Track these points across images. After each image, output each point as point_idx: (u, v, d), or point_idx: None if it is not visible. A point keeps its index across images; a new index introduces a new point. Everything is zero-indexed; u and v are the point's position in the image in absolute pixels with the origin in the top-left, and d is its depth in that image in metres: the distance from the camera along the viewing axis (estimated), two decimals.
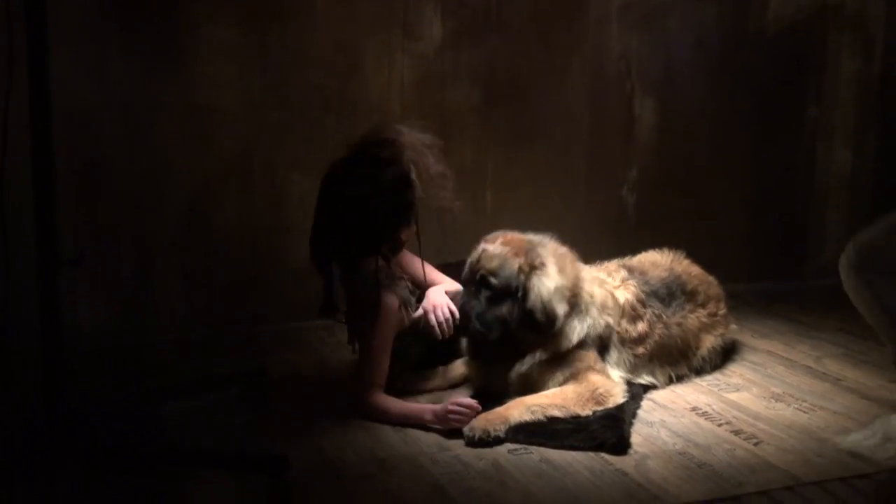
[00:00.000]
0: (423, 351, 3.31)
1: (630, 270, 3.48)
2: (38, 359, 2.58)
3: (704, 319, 3.55)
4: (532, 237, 3.22)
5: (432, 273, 3.37)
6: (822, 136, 4.90)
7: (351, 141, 3.13)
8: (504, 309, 3.10)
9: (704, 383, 3.44)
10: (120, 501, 2.48)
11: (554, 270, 3.11)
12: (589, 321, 3.18)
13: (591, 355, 3.16)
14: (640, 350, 3.31)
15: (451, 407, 2.92)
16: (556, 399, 3.01)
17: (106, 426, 2.72)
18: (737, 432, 2.98)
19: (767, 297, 4.63)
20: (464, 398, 3.02)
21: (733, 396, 3.31)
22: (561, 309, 3.10)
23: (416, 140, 3.07)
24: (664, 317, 3.41)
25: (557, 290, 3.09)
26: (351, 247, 3.08)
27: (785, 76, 4.80)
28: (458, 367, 3.38)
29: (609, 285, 3.35)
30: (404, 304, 3.16)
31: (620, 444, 2.82)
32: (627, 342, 3.28)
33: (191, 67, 3.87)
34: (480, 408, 2.96)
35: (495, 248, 3.15)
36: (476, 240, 4.16)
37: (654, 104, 4.61)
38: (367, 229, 3.03)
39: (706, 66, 4.67)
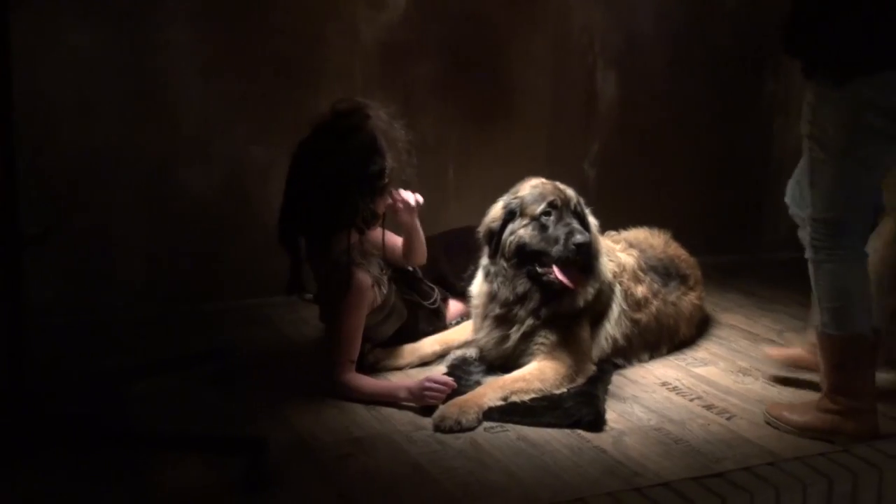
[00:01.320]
0: (394, 328, 3.27)
1: (629, 244, 3.50)
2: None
3: (696, 302, 3.58)
4: None
5: (396, 241, 3.34)
6: (779, 110, 4.95)
7: (315, 116, 3.08)
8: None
9: (671, 357, 3.46)
10: (91, 486, 2.41)
11: None
12: (601, 267, 3.19)
13: (586, 325, 3.16)
14: (639, 316, 3.31)
15: (426, 384, 2.89)
16: (533, 383, 2.99)
17: (74, 407, 2.63)
18: (709, 407, 3.00)
19: (726, 270, 4.66)
20: (439, 375, 2.99)
21: (701, 371, 3.33)
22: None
23: (380, 110, 3.03)
24: (662, 293, 3.42)
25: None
26: (323, 222, 3.03)
27: (745, 50, 4.82)
28: (430, 345, 3.35)
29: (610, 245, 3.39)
30: (376, 282, 3.11)
31: (597, 421, 2.82)
32: (629, 300, 3.28)
33: (148, 35, 3.75)
34: (456, 385, 2.94)
35: (563, 186, 3.23)
36: (438, 215, 4.17)
37: (616, 77, 4.60)
38: (338, 202, 2.97)
39: (668, 40, 4.67)
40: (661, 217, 3.92)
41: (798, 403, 2.91)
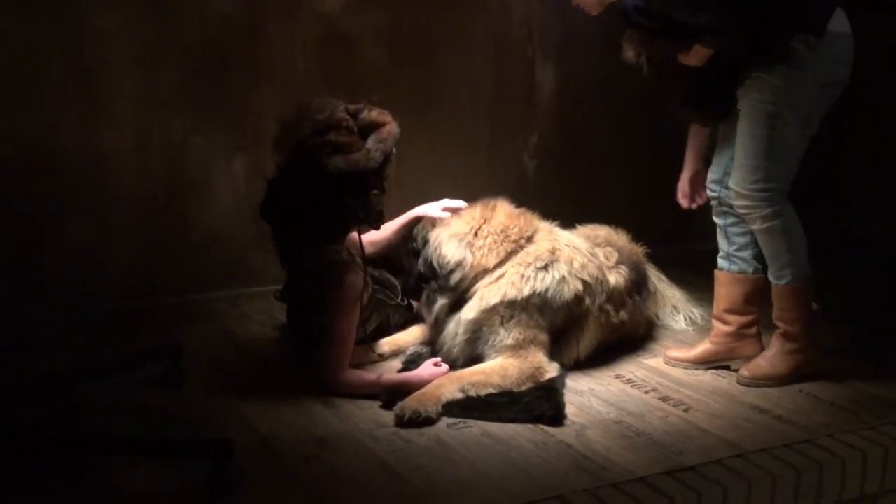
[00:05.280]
0: (372, 327, 3.28)
1: (619, 252, 3.48)
2: None
3: (651, 305, 3.62)
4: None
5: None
6: None
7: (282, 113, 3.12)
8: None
9: (620, 349, 3.48)
10: (47, 494, 2.31)
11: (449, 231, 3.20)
12: (549, 279, 3.10)
13: (543, 330, 3.11)
14: (612, 337, 3.34)
15: (428, 364, 3.03)
16: (493, 378, 2.96)
17: (18, 412, 2.51)
18: (664, 399, 3.03)
19: (659, 260, 4.70)
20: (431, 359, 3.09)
21: (651, 363, 3.37)
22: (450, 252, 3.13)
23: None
24: (639, 308, 3.46)
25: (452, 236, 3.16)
26: (339, 224, 3.07)
27: None
28: (382, 346, 3.32)
29: (600, 261, 3.33)
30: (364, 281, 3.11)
31: (558, 416, 2.83)
32: (604, 326, 3.26)
33: (79, 22, 3.60)
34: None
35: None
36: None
37: (554, 69, 4.61)
38: (359, 201, 2.99)
39: (604, 31, 4.68)
40: (598, 208, 3.96)
41: (760, 359, 3.14)
